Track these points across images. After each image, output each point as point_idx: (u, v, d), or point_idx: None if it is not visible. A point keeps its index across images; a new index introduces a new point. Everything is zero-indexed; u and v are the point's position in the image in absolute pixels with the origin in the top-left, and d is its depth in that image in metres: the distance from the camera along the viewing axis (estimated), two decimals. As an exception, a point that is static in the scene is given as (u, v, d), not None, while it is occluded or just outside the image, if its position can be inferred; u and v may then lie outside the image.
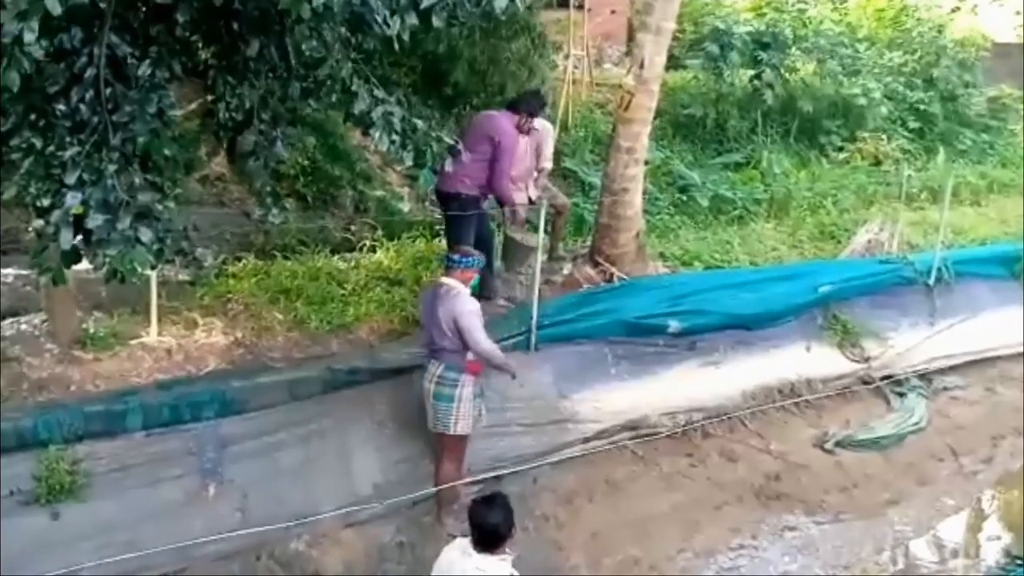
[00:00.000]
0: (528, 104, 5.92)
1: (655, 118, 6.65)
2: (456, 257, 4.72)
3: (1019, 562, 4.72)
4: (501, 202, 5.94)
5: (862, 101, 9.81)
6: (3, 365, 4.74)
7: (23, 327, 5.12)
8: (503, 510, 3.31)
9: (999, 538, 5.61)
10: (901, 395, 6.60)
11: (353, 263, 6.36)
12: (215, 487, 4.56)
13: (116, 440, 4.46)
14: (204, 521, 4.38)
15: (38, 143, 3.60)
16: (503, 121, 5.76)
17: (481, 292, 5.91)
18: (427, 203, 7.47)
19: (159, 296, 5.22)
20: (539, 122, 6.18)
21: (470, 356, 4.64)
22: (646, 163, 6.68)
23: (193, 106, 5.37)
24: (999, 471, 6.17)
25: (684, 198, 8.16)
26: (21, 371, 4.75)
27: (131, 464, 4.43)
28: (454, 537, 3.49)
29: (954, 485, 5.94)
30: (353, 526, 4.71)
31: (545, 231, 5.92)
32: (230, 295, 5.72)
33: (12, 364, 4.78)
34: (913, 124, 10.45)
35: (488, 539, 3.26)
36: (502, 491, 3.55)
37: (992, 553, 5.42)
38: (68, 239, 3.58)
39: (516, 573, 3.31)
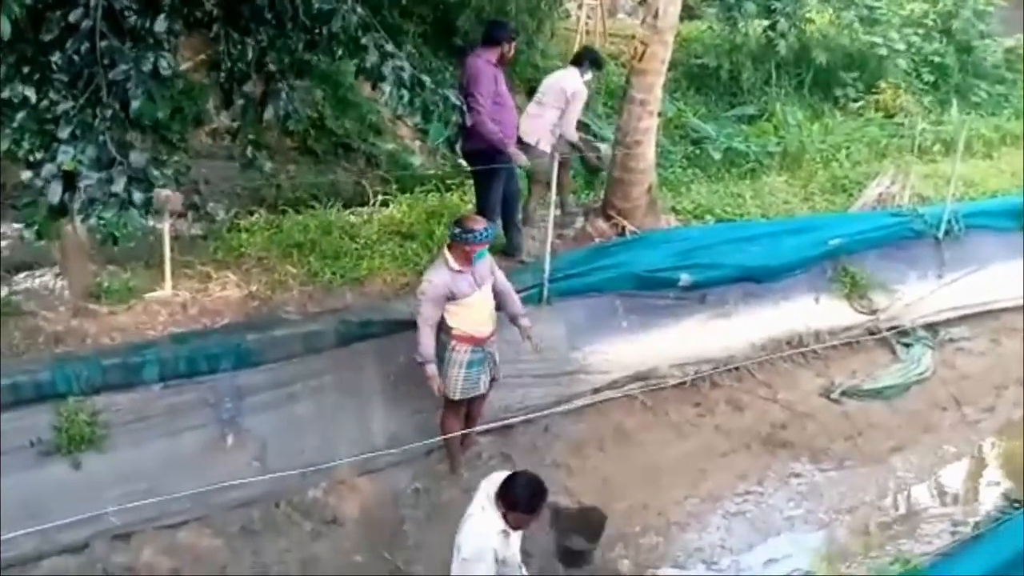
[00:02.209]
0: (499, 33, 5.43)
1: (668, 70, 6.40)
2: (459, 230, 4.36)
3: (1016, 506, 4.65)
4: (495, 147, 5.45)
5: (883, 52, 9.43)
6: (18, 318, 4.68)
7: (37, 281, 5.04)
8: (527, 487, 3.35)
9: (998, 484, 5.57)
10: (907, 346, 6.50)
11: (365, 217, 6.22)
12: (233, 437, 4.53)
13: (134, 392, 4.42)
14: (223, 470, 4.36)
15: (31, 96, 3.47)
16: (475, 60, 5.35)
17: (506, 251, 5.80)
18: (439, 156, 7.27)
19: (172, 250, 5.11)
20: (571, 81, 5.92)
21: (456, 326, 4.45)
22: (659, 115, 6.46)
23: (201, 57, 5.17)
24: (1001, 420, 6.11)
25: (697, 151, 7.92)
26: (37, 324, 4.68)
27: (149, 415, 4.40)
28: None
29: (956, 433, 5.89)
30: (370, 474, 4.69)
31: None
32: (243, 249, 5.60)
33: (27, 317, 4.71)
34: (928, 76, 10.07)
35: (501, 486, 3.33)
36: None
37: (992, 498, 5.38)
38: (57, 194, 3.47)
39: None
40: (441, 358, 4.49)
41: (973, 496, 5.50)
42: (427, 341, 4.40)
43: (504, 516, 3.32)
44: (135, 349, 4.57)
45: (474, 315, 4.49)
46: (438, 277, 4.37)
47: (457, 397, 4.57)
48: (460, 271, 4.39)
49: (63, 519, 3.82)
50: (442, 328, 4.46)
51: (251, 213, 6.03)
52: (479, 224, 4.43)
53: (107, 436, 4.27)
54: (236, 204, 6.10)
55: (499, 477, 3.45)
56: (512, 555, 3.41)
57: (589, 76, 6.24)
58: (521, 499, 3.31)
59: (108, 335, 4.71)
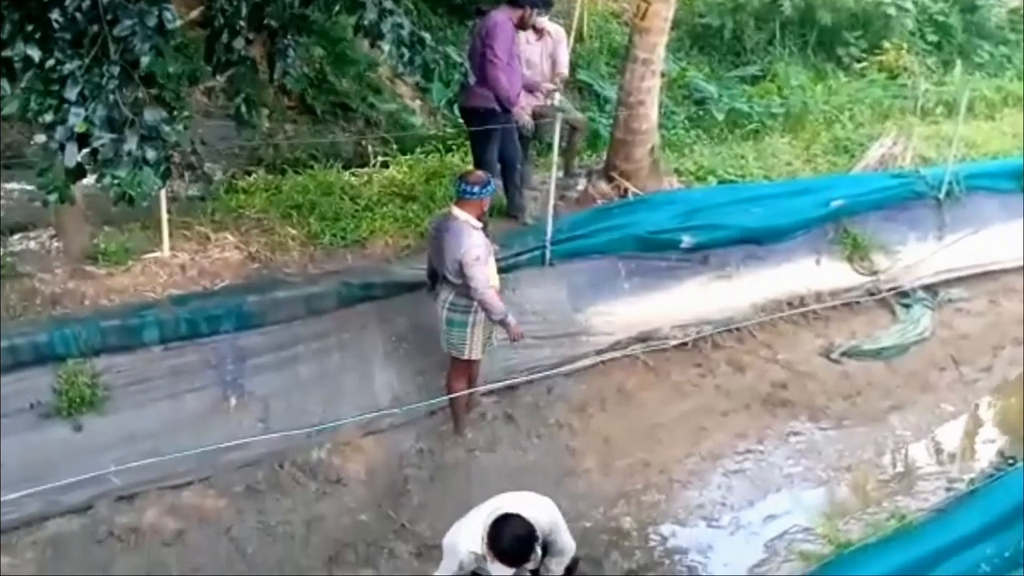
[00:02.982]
0: None
1: (671, 29, 6.18)
2: (467, 186, 4.25)
3: (1011, 462, 4.64)
4: (502, 104, 5.27)
5: (891, 11, 9.16)
6: (15, 280, 4.55)
7: (32, 243, 4.90)
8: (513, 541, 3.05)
9: (994, 442, 5.53)
10: (907, 307, 6.42)
11: (365, 178, 6.05)
12: (236, 399, 4.46)
13: (134, 354, 4.33)
14: (226, 432, 4.28)
15: (35, 55, 3.32)
16: (496, 15, 5.17)
17: (508, 211, 5.65)
18: (440, 116, 7.07)
19: (169, 211, 4.96)
20: (552, 27, 5.71)
21: None
22: (662, 75, 6.27)
23: (194, 14, 4.94)
24: (998, 379, 6.05)
25: (700, 112, 7.72)
26: (33, 286, 4.56)
27: (151, 377, 4.31)
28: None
29: (954, 392, 5.84)
30: (373, 435, 4.63)
31: (560, 147, 5.58)
32: (241, 210, 5.45)
33: (24, 279, 4.59)
34: (932, 37, 9.81)
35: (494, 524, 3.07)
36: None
37: (987, 456, 5.35)
38: (73, 156, 3.36)
39: None
40: (463, 322, 4.39)
41: (969, 454, 5.46)
42: (497, 300, 4.32)
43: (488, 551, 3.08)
44: (135, 311, 4.45)
45: (492, 271, 4.44)
46: (477, 238, 4.26)
47: (479, 357, 4.51)
48: (479, 228, 4.31)
49: (65, 480, 3.74)
50: (462, 292, 4.33)
51: (248, 174, 5.87)
52: (485, 176, 4.35)
53: (108, 398, 4.19)
54: (233, 164, 5.92)
55: (509, 502, 3.20)
56: None
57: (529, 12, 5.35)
58: (506, 552, 3.04)
59: (106, 297, 4.60)
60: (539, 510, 3.19)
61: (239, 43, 3.96)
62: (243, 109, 4.22)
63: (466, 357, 4.48)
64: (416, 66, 4.06)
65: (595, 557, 4.16)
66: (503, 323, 4.37)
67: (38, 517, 3.87)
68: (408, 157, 6.33)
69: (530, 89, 5.58)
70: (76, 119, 3.32)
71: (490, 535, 3.04)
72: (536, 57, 5.60)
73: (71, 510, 3.92)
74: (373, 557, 4.08)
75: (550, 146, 5.71)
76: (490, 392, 4.90)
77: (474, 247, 4.21)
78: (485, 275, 4.24)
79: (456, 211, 4.33)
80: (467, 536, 3.13)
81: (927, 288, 6.56)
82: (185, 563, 3.90)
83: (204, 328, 4.48)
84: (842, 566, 3.15)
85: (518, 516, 3.08)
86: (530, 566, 3.21)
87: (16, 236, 4.98)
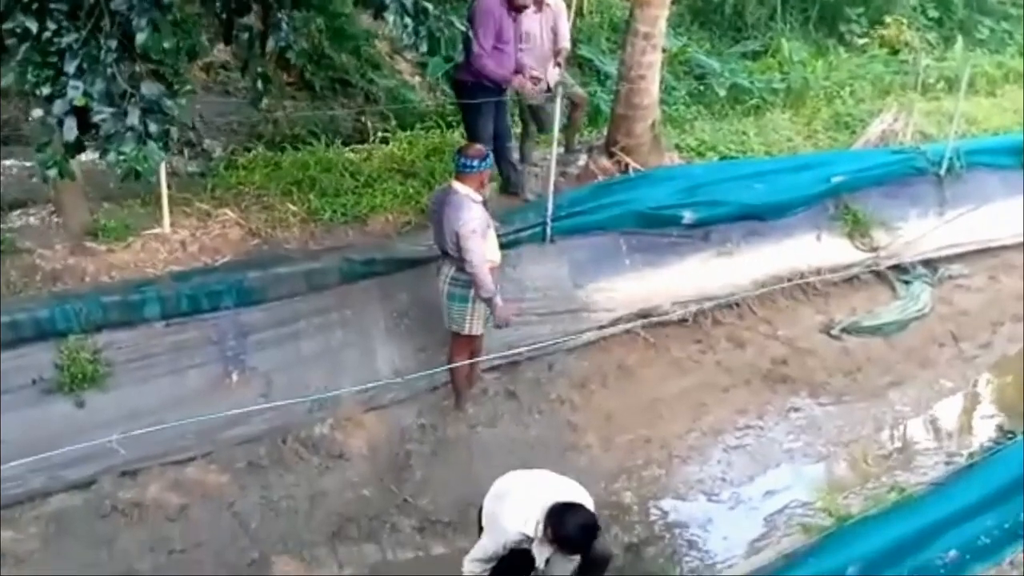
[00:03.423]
0: None
1: (672, 3, 6.03)
2: (465, 160, 4.18)
3: (1010, 437, 4.59)
4: (495, 83, 5.13)
5: (895, -16, 8.98)
6: (15, 256, 4.46)
7: (32, 219, 4.81)
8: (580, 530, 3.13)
9: (993, 417, 5.49)
10: (907, 283, 6.33)
11: (365, 154, 5.93)
12: (238, 374, 4.39)
13: (135, 330, 4.26)
14: (228, 407, 4.18)
15: (33, 27, 3.23)
16: None
17: (506, 188, 5.54)
18: (439, 92, 6.92)
19: (169, 188, 4.86)
20: None
21: None
22: (663, 51, 6.11)
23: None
24: (997, 355, 5.99)
25: (701, 87, 7.57)
26: (33, 262, 4.48)
27: (152, 353, 4.25)
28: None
29: (953, 369, 5.78)
30: (375, 410, 4.57)
31: (561, 123, 5.45)
32: (241, 186, 5.34)
33: (23, 255, 4.50)
34: (933, 12, 9.62)
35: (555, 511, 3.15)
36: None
37: (986, 431, 5.31)
38: (72, 130, 3.29)
39: None
40: (464, 296, 4.31)
41: (968, 429, 5.42)
42: (489, 277, 4.21)
43: (545, 534, 3.16)
44: (136, 287, 4.37)
45: (493, 244, 4.37)
46: (476, 211, 4.17)
47: (480, 332, 4.43)
48: (479, 201, 4.24)
49: (68, 455, 3.68)
50: (463, 267, 4.25)
51: (248, 150, 5.74)
52: (484, 150, 4.27)
53: (110, 374, 4.12)
54: (233, 141, 5.80)
55: (557, 483, 3.30)
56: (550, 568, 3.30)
57: None
58: (570, 538, 3.13)
59: (107, 273, 4.52)
60: (587, 500, 3.26)
61: (251, 18, 3.86)
62: (258, 85, 4.11)
63: (466, 332, 4.41)
64: (421, 37, 3.94)
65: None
66: (489, 302, 4.25)
67: (41, 492, 3.83)
68: (408, 133, 6.20)
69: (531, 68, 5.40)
70: (75, 92, 3.25)
71: (555, 523, 3.08)
72: (536, 30, 5.45)
73: (74, 485, 3.88)
74: (376, 531, 4.05)
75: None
76: (492, 368, 4.84)
77: (472, 220, 4.13)
78: (481, 249, 4.16)
79: (456, 185, 4.25)
80: (517, 518, 3.17)
81: (927, 264, 6.47)
82: (188, 538, 3.86)
83: (205, 304, 4.41)
84: (843, 538, 3.10)
85: (582, 506, 3.17)
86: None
87: (16, 212, 4.88)
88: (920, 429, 5.30)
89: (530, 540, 3.19)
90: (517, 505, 3.21)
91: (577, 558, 3.32)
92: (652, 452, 4.73)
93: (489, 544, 3.24)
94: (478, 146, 4.41)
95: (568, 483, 3.37)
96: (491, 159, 4.32)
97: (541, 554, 3.22)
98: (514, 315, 4.43)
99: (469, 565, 3.31)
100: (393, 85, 6.88)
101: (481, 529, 3.39)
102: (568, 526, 3.08)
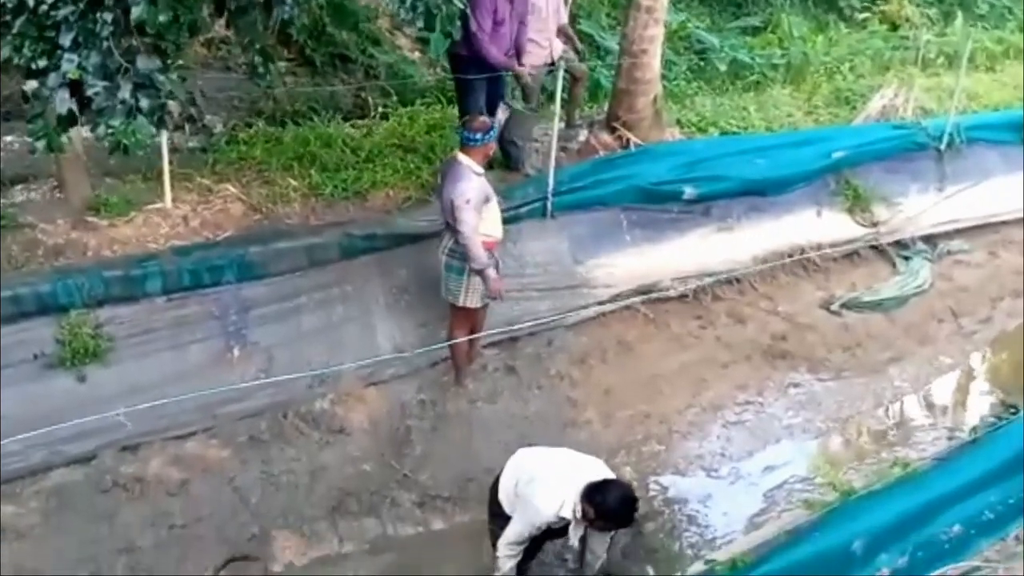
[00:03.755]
0: None
1: (674, -24, 5.89)
2: (468, 133, 4.14)
3: (1013, 411, 4.54)
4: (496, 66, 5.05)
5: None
6: (16, 231, 4.38)
7: (33, 194, 4.71)
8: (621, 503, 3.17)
9: (993, 392, 5.43)
10: (906, 259, 6.25)
11: (366, 130, 5.81)
12: (239, 349, 4.32)
13: (137, 304, 4.19)
14: (229, 382, 4.12)
15: (29, 0, 3.15)
16: None
17: (508, 164, 5.42)
18: (439, 68, 6.78)
19: (170, 163, 4.76)
20: None
21: (482, 231, 4.21)
22: (664, 25, 5.96)
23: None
24: (996, 330, 5.92)
25: (701, 63, 7.42)
26: (35, 237, 4.39)
27: (154, 328, 4.18)
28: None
29: (952, 344, 5.71)
30: (376, 385, 4.51)
31: (561, 98, 5.33)
32: (242, 162, 5.24)
33: (25, 230, 4.41)
34: (933, -13, 9.46)
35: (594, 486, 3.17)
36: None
37: (986, 406, 5.25)
38: (65, 103, 3.23)
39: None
40: (461, 269, 4.25)
41: (967, 404, 5.38)
42: (481, 248, 4.15)
43: (585, 514, 3.17)
44: (137, 261, 4.30)
45: (494, 218, 4.30)
46: (474, 182, 4.12)
47: (476, 305, 4.36)
48: (480, 174, 4.18)
49: (69, 430, 3.62)
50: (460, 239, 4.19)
51: (249, 126, 5.63)
52: (488, 123, 4.20)
53: (112, 349, 4.06)
54: (234, 116, 5.68)
55: (582, 464, 3.30)
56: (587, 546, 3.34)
57: None
58: (615, 514, 3.16)
59: (108, 247, 4.44)
60: (609, 472, 3.29)
61: None
62: (257, 61, 4.00)
63: (461, 304, 4.35)
64: (418, 13, 3.85)
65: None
66: (482, 274, 4.19)
67: (42, 467, 3.78)
68: (408, 109, 6.08)
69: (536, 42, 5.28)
70: (69, 65, 3.18)
71: (597, 502, 3.09)
72: (542, 2, 5.31)
73: (75, 460, 3.83)
74: (376, 506, 4.01)
75: (551, 96, 5.46)
76: (492, 344, 4.77)
77: (468, 191, 4.07)
78: (473, 220, 4.09)
79: (460, 156, 4.20)
80: (553, 501, 3.15)
81: (927, 240, 6.38)
82: (189, 513, 3.82)
83: (207, 279, 4.34)
84: (847, 512, 3.05)
85: (617, 481, 3.22)
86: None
87: (17, 187, 4.78)
88: (921, 405, 5.24)
89: (566, 521, 3.18)
90: (550, 488, 3.19)
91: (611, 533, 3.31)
92: (652, 427, 4.67)
93: (523, 527, 3.22)
94: (482, 119, 4.33)
95: (589, 459, 3.37)
96: (495, 132, 4.25)
97: (576, 533, 3.23)
98: (505, 289, 4.39)
99: (505, 549, 3.28)
100: (393, 61, 6.74)
101: (493, 508, 3.38)
102: (611, 503, 3.10)
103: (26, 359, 3.92)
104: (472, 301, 4.34)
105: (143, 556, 3.63)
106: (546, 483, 3.20)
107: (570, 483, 3.16)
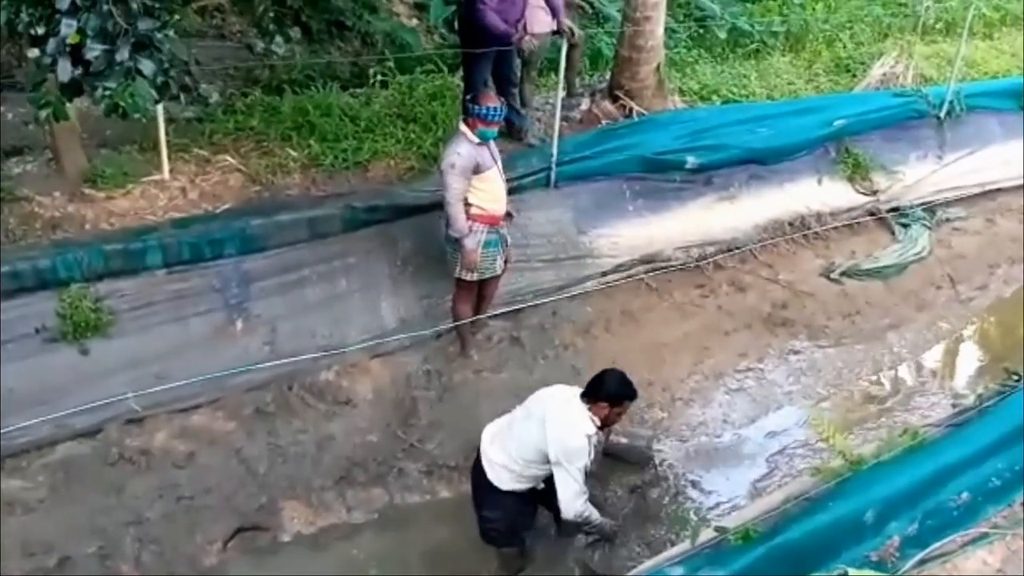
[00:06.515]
0: None
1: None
2: (478, 107, 3.98)
3: (1016, 378, 4.43)
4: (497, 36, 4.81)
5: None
6: (13, 204, 4.21)
7: (29, 166, 4.51)
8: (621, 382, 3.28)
9: (992, 358, 5.32)
10: (905, 226, 6.11)
11: (364, 99, 5.59)
12: (242, 322, 4.18)
13: (138, 278, 4.04)
14: (233, 355, 4.05)
15: None
16: None
17: (509, 135, 5.23)
18: (436, 36, 6.52)
19: (166, 134, 4.55)
20: None
21: (476, 203, 4.08)
22: (665, -8, 5.71)
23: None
24: (993, 297, 5.83)
25: (701, 30, 7.17)
26: (32, 210, 4.23)
27: (155, 301, 4.04)
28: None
29: (950, 311, 5.62)
30: (381, 357, 4.40)
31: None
32: (240, 132, 5.04)
33: (22, 203, 4.24)
34: (932, -47, 9.12)
35: (591, 386, 3.26)
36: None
37: (983, 371, 5.18)
38: (67, 70, 3.09)
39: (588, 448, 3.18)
40: (457, 241, 4.11)
41: (966, 370, 5.30)
42: (461, 215, 4.03)
43: (597, 414, 3.22)
44: (137, 234, 4.14)
45: (494, 191, 4.14)
46: (463, 148, 3.98)
47: (475, 278, 4.24)
48: (480, 144, 4.02)
49: (74, 405, 3.50)
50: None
51: (245, 95, 5.39)
52: (497, 101, 4.04)
53: (113, 322, 3.92)
54: (230, 85, 5.45)
55: (558, 390, 3.31)
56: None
57: None
58: (620, 390, 3.27)
59: (107, 220, 4.28)
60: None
61: None
62: (272, 28, 3.80)
63: (457, 275, 4.24)
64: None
65: (599, 473, 3.99)
66: (458, 242, 4.09)
67: (48, 440, 3.67)
68: (407, 77, 5.84)
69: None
70: (68, 30, 3.04)
71: (601, 394, 3.20)
72: None
73: (81, 433, 3.72)
74: (383, 476, 3.93)
75: (551, 62, 5.23)
76: (496, 314, 4.65)
77: (454, 155, 3.95)
78: (457, 186, 3.98)
79: (462, 127, 4.05)
80: (578, 428, 3.17)
81: (926, 207, 6.25)
82: (197, 484, 3.73)
83: (207, 252, 4.19)
84: (861, 481, 2.97)
85: (602, 371, 3.32)
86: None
87: (13, 159, 4.59)
88: (918, 371, 5.16)
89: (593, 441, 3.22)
90: (563, 419, 3.18)
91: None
92: (655, 395, 4.59)
93: (578, 469, 3.16)
94: (490, 94, 4.16)
95: (546, 390, 3.37)
96: (504, 110, 4.09)
97: (598, 450, 3.31)
98: (513, 259, 4.32)
99: (579, 501, 3.20)
100: (390, 28, 6.47)
101: (490, 497, 3.31)
102: (612, 386, 3.23)
103: (28, 333, 3.78)
104: (468, 275, 4.21)
105: (152, 528, 3.55)
106: (559, 419, 3.18)
107: (571, 405, 3.20)
